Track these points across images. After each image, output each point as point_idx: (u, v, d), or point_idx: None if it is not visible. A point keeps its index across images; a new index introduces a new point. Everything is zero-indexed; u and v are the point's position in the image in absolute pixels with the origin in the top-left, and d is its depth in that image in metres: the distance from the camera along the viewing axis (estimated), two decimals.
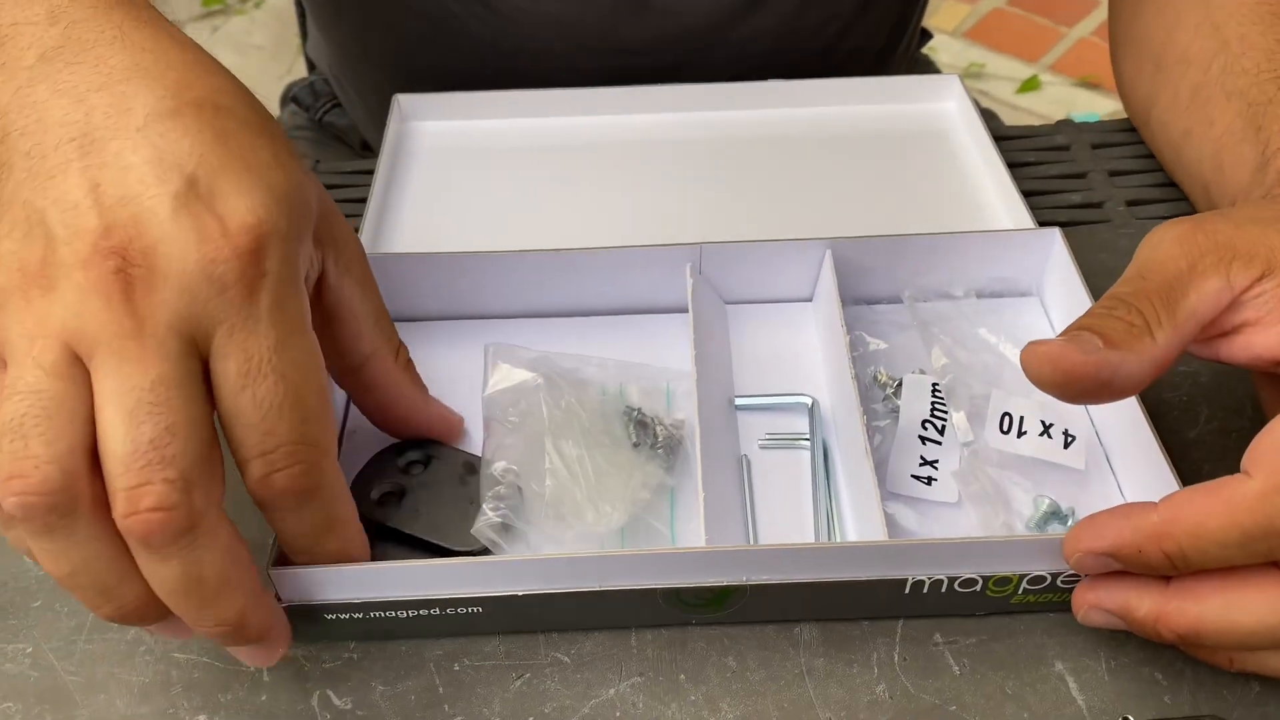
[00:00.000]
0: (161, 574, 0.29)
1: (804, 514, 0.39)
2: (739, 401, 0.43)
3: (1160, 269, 0.34)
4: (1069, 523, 0.38)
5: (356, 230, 0.47)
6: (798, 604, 0.36)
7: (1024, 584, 0.35)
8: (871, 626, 0.36)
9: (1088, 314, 0.33)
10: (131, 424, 0.28)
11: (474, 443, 0.41)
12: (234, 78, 0.33)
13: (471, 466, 0.39)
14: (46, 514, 0.28)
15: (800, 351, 0.45)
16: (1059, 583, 0.35)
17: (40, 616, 0.37)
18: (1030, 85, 1.85)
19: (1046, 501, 0.38)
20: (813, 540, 0.38)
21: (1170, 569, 0.31)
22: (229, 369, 0.29)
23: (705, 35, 0.60)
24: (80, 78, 0.30)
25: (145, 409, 0.28)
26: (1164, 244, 0.34)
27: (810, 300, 0.47)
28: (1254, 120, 0.43)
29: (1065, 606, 0.35)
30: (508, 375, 0.41)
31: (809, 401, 0.43)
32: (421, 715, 0.35)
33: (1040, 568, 0.35)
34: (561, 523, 0.37)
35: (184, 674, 0.36)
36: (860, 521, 0.38)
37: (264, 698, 0.35)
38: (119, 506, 0.28)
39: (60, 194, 0.29)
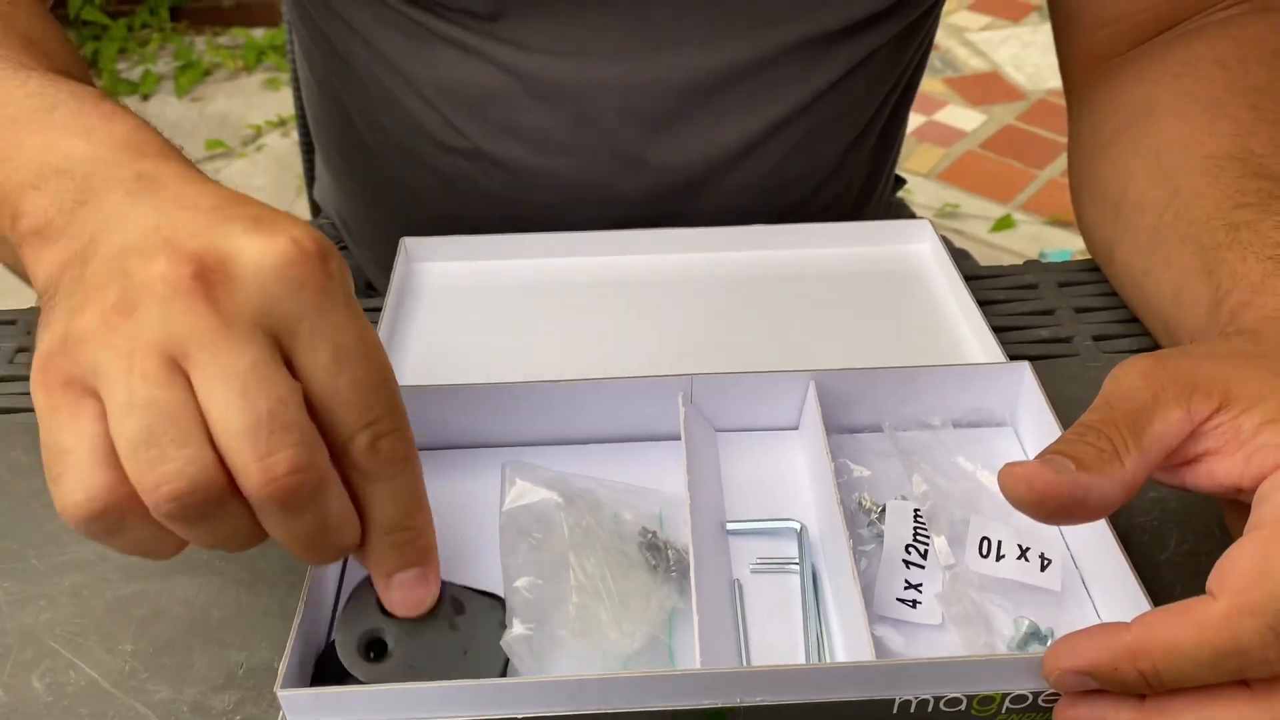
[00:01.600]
0: (292, 528, 0.32)
1: (795, 636, 0.41)
2: (730, 526, 0.45)
3: (1127, 399, 0.36)
4: (1048, 642, 0.39)
5: None
6: None
7: (1007, 703, 0.36)
8: None
9: (1060, 440, 0.35)
10: (244, 401, 0.30)
11: (489, 563, 0.42)
12: None
13: (459, 604, 0.38)
14: (201, 509, 0.30)
15: (788, 478, 0.47)
16: (1040, 701, 0.36)
17: None
18: (1004, 224, 1.92)
19: (1026, 622, 0.39)
20: (804, 662, 0.40)
21: (1145, 687, 0.32)
22: (320, 358, 0.32)
23: (696, 188, 0.64)
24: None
25: (253, 386, 0.30)
26: (1129, 377, 0.37)
27: (796, 429, 0.49)
28: (1206, 264, 0.47)
29: None
30: (527, 492, 0.43)
31: (798, 527, 0.44)
32: None
33: (1022, 687, 0.36)
34: (585, 640, 0.38)
35: None
36: (849, 643, 0.39)
37: None
38: (254, 478, 0.30)
39: (132, 240, 0.32)
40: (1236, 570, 0.32)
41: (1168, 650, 0.32)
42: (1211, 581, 0.32)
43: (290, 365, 0.32)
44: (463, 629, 0.38)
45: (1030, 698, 0.36)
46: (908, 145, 2.08)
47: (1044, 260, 0.61)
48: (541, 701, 0.36)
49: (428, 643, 0.37)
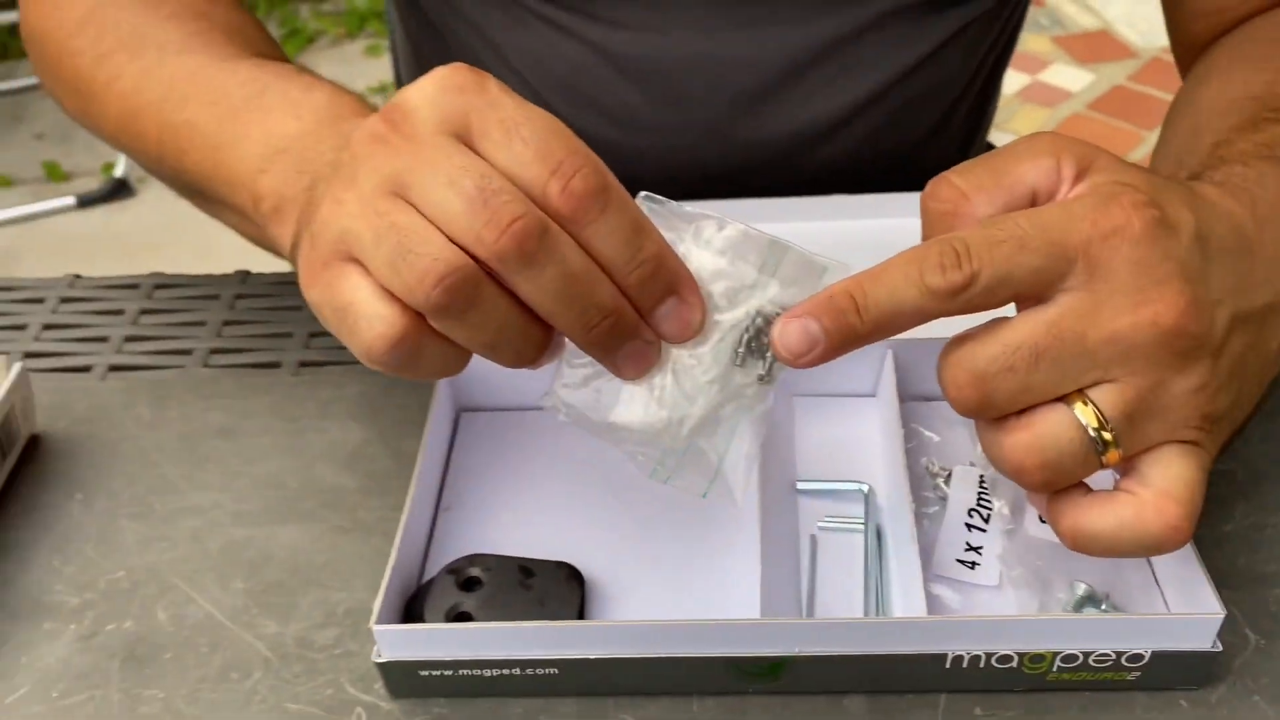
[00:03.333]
0: (542, 284, 0.33)
1: (856, 594, 0.42)
2: (800, 486, 0.47)
3: (999, 153, 0.36)
4: (1103, 607, 0.40)
5: None
6: (847, 675, 0.39)
7: (1058, 662, 0.37)
8: (916, 699, 0.39)
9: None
10: (454, 189, 0.33)
11: None
12: None
13: (527, 570, 0.42)
14: (463, 291, 0.33)
15: (862, 442, 0.49)
16: (1091, 662, 0.37)
17: (170, 667, 0.42)
18: None
19: (1083, 586, 0.40)
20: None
21: (856, 315, 0.34)
22: (492, 134, 0.34)
23: (784, 163, 0.64)
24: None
25: (456, 174, 0.33)
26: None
27: (873, 395, 0.51)
28: None
29: (1101, 686, 0.37)
30: None
31: (865, 489, 0.46)
32: None
33: (1072, 646, 0.37)
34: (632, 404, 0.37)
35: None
36: (906, 600, 0.41)
37: None
38: (488, 237, 0.32)
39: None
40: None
41: (871, 276, 0.34)
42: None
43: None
44: (536, 588, 0.41)
45: (1080, 658, 0.37)
46: (1010, 106, 2.02)
47: None
48: (605, 644, 0.38)
49: (506, 603, 0.41)
